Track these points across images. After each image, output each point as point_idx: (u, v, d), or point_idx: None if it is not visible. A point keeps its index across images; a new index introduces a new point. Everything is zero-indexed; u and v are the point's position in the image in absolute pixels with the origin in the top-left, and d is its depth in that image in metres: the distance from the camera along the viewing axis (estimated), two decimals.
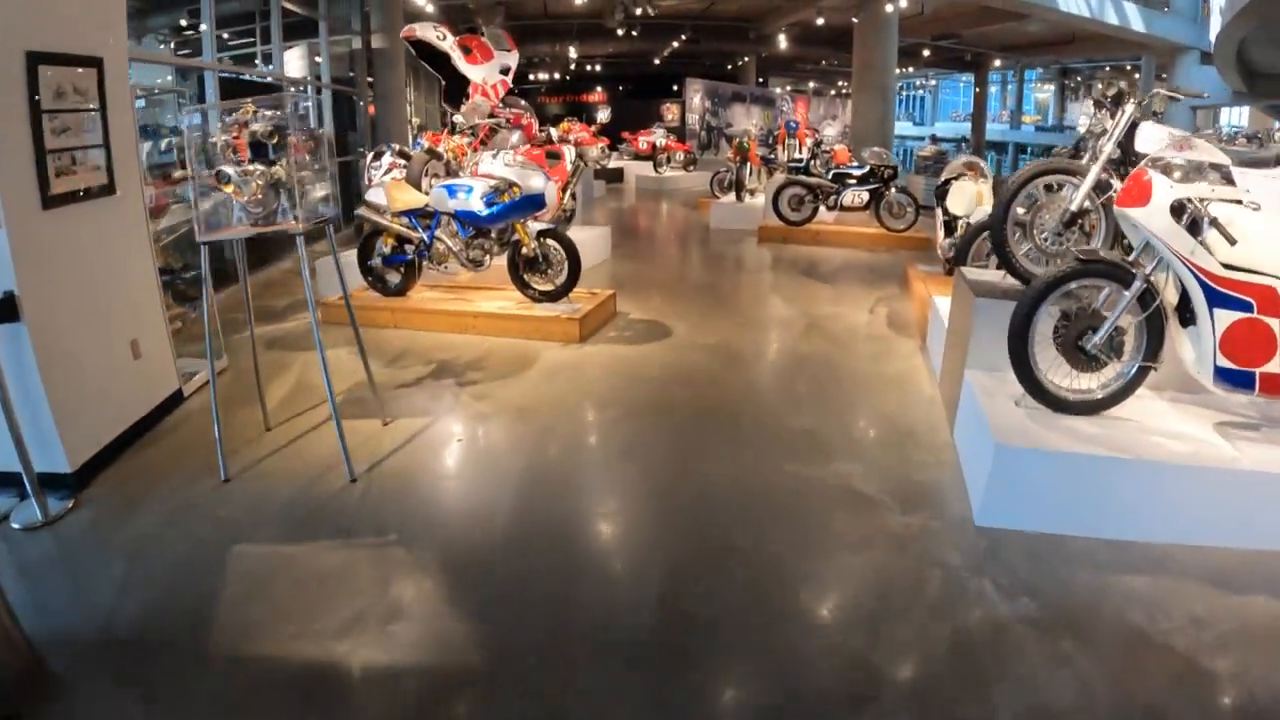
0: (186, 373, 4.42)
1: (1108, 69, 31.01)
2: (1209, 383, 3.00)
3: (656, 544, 3.03)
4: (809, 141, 12.09)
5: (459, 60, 7.49)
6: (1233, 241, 2.81)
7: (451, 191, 5.58)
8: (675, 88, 26.08)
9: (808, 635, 2.50)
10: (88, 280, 3.61)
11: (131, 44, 4.36)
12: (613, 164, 15.97)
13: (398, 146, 7.61)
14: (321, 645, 2.42)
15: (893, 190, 9.47)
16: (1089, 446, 3.02)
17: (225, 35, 10.20)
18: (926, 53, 26.11)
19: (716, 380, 4.84)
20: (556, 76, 30.54)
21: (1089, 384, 3.29)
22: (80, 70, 3.47)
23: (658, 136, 16.95)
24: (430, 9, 12.89)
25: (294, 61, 11.08)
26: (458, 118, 7.48)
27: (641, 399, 4.49)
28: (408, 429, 4.00)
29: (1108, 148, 3.53)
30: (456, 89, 8.07)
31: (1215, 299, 2.90)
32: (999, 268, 4.09)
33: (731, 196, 11.56)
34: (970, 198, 6.23)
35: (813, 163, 9.88)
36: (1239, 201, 2.90)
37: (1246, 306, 2.87)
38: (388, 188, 5.81)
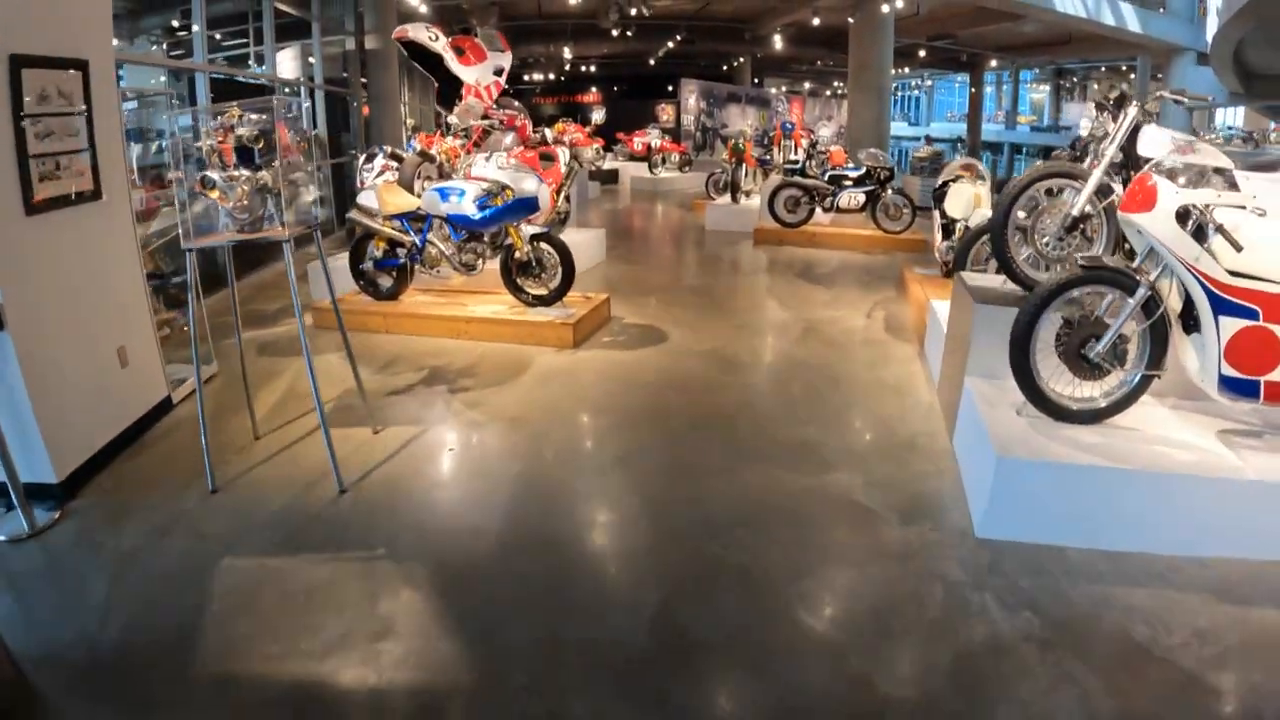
0: (176, 379, 4.35)
1: (1103, 69, 31.12)
2: (1213, 391, 2.96)
3: (651, 556, 2.97)
4: (804, 143, 12.03)
5: (451, 61, 7.41)
6: (1239, 248, 2.77)
7: (444, 195, 5.51)
8: (670, 88, 26.11)
9: (806, 651, 2.45)
10: (73, 287, 3.54)
11: (123, 45, 4.30)
12: (608, 165, 15.91)
13: (390, 149, 7.54)
14: (308, 664, 2.37)
15: (889, 192, 9.43)
16: (1091, 457, 2.97)
17: (218, 36, 10.14)
18: (922, 53, 26.20)
19: (712, 386, 4.79)
20: (551, 77, 30.51)
21: (1092, 392, 3.24)
22: (65, 73, 3.40)
23: (653, 137, 16.89)
24: (424, 10, 12.81)
25: (287, 62, 11.01)
26: (452, 119, 7.42)
27: (636, 405, 4.43)
28: (399, 437, 3.94)
29: (1110, 151, 3.48)
30: (451, 91, 8.00)
31: (1220, 306, 2.85)
32: (999, 272, 4.04)
33: (727, 198, 11.47)
34: (968, 200, 6.18)
35: (808, 164, 9.83)
36: (1244, 207, 2.86)
37: (1252, 314, 2.83)
38: (379, 191, 5.74)
